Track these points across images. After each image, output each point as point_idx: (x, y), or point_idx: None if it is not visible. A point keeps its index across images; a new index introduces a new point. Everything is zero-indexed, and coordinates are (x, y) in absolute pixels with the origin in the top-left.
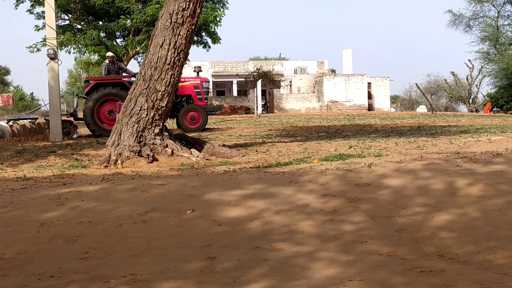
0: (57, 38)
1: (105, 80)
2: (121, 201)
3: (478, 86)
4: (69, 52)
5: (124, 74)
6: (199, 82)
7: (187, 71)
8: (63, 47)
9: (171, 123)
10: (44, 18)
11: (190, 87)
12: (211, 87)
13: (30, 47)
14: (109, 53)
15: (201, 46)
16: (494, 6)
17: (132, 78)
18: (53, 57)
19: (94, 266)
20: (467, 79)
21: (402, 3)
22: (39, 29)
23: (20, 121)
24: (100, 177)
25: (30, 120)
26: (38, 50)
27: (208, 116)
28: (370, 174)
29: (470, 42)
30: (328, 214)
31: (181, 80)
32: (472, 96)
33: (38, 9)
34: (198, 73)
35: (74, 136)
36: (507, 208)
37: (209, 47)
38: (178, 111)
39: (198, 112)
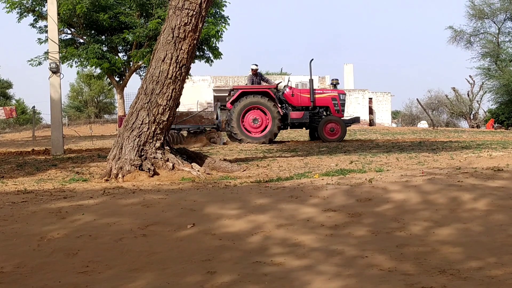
0: (59, 52)
1: (251, 89)
2: (122, 215)
3: (479, 102)
4: (71, 66)
5: (265, 84)
6: (336, 94)
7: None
8: (65, 60)
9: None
10: (46, 32)
11: (328, 98)
12: (212, 101)
13: (31, 60)
14: (253, 66)
15: (203, 61)
16: (494, 23)
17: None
18: (55, 71)
19: (94, 280)
20: (468, 95)
21: (403, 19)
22: (42, 42)
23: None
24: (100, 190)
25: (176, 131)
26: (40, 63)
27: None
28: (371, 189)
29: (471, 58)
30: (328, 229)
31: (320, 91)
32: (473, 112)
33: (41, 23)
34: (335, 85)
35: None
36: (509, 224)
37: (212, 61)
38: (316, 122)
39: (337, 124)
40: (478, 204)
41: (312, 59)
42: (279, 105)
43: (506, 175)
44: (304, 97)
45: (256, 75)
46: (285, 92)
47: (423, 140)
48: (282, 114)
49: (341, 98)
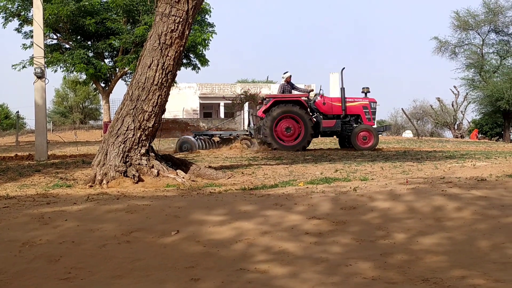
0: (45, 57)
1: (284, 98)
2: (105, 221)
3: (463, 113)
4: (55, 71)
5: (296, 92)
6: (367, 102)
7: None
8: (50, 65)
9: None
10: (32, 37)
11: (359, 107)
12: (198, 108)
13: (16, 65)
14: (287, 74)
15: (190, 68)
16: (479, 34)
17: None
18: (40, 76)
19: (76, 286)
20: (453, 105)
21: (388, 28)
22: (27, 47)
23: (203, 136)
24: (84, 196)
25: (208, 137)
26: (24, 67)
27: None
28: (355, 197)
29: (455, 68)
30: (313, 236)
31: (351, 100)
32: (457, 122)
33: (26, 28)
34: (366, 93)
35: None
36: (492, 233)
37: (198, 68)
38: (347, 130)
39: (370, 132)
40: (461, 213)
41: (344, 68)
42: (311, 114)
43: (489, 184)
44: (336, 105)
45: (288, 84)
46: (317, 100)
47: (408, 150)
48: (314, 122)
49: (372, 106)
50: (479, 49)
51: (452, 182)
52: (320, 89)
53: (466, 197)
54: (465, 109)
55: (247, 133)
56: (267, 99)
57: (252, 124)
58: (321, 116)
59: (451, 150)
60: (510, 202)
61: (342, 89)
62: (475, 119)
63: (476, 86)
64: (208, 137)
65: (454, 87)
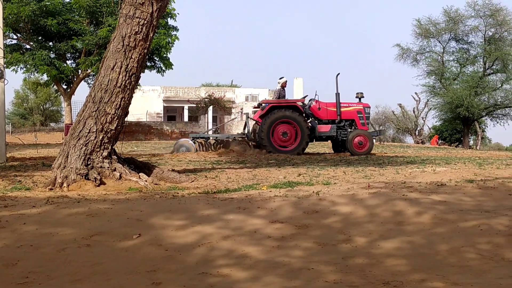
0: (4, 57)
1: (280, 103)
2: (65, 225)
3: (424, 119)
4: (16, 71)
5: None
6: (361, 107)
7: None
8: (10, 66)
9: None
10: None
11: (353, 112)
12: (162, 112)
13: None
14: (283, 79)
15: (155, 71)
16: (440, 42)
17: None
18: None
19: None
20: (414, 112)
21: (352, 35)
22: None
23: (200, 139)
24: (44, 199)
25: (205, 140)
26: None
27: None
28: (318, 201)
29: (417, 75)
30: (275, 240)
31: (345, 105)
32: (418, 128)
33: None
34: (360, 99)
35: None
36: (451, 237)
37: (164, 71)
38: (342, 135)
39: (365, 137)
40: (421, 217)
41: (339, 74)
42: (306, 119)
43: (449, 189)
44: (331, 110)
45: (283, 89)
46: (312, 105)
47: (370, 155)
48: (310, 127)
49: (366, 111)
50: (439, 57)
51: (412, 187)
52: (316, 94)
53: (426, 202)
54: (426, 115)
55: (244, 136)
56: (263, 104)
57: (249, 127)
58: (316, 121)
59: (412, 156)
60: (468, 206)
61: (337, 95)
62: (435, 125)
63: (437, 93)
64: (205, 140)
65: (416, 93)
